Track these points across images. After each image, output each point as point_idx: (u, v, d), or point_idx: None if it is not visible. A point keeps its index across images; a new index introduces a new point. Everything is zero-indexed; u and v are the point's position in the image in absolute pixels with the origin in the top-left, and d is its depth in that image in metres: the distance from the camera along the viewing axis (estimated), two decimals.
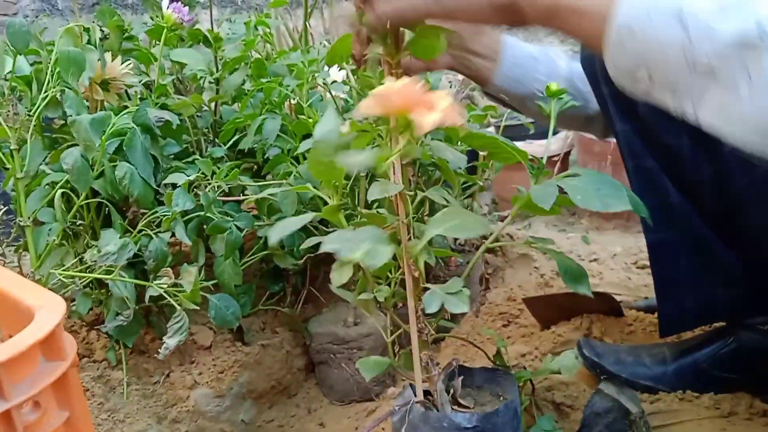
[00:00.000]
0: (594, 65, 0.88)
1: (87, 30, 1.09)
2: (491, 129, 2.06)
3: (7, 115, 0.97)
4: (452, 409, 0.77)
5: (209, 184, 0.99)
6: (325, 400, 1.23)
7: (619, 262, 1.65)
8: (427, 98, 0.59)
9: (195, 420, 1.06)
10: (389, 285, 0.81)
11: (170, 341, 0.90)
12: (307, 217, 0.72)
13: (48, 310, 0.52)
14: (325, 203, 0.73)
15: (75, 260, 1.02)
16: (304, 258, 1.19)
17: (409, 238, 0.71)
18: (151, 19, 1.36)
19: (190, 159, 1.17)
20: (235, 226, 1.04)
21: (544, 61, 0.98)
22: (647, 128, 0.86)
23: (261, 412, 1.16)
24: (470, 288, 0.71)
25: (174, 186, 0.96)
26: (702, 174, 0.85)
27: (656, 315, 1.23)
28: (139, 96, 1.29)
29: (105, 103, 1.14)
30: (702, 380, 0.98)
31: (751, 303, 0.92)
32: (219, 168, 1.05)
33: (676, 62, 0.52)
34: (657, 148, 0.87)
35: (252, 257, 1.16)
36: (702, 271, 0.88)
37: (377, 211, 1.14)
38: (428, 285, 0.70)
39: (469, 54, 0.93)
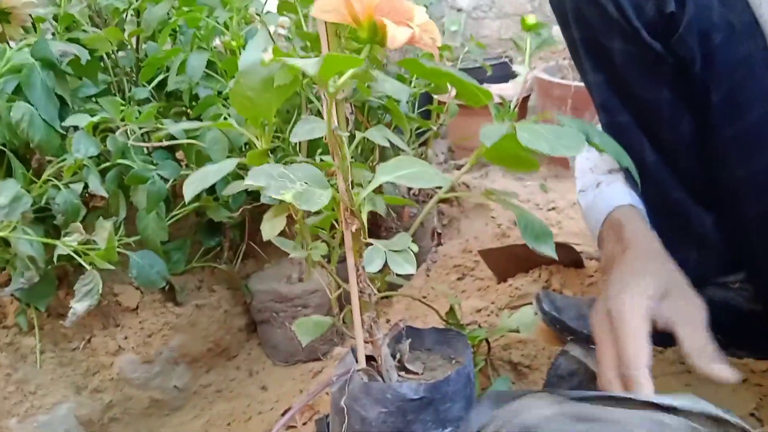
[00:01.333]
0: (564, 4, 0.77)
1: None
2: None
3: None
4: (398, 376, 0.69)
5: (120, 127, 0.87)
6: (268, 362, 1.15)
7: (579, 211, 1.59)
8: (402, 8, 0.49)
9: (120, 389, 0.96)
10: (333, 238, 0.72)
11: (78, 306, 0.79)
12: (228, 165, 0.62)
13: None
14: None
15: None
16: (241, 210, 1.08)
17: (351, 187, 0.62)
18: None
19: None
20: (159, 175, 0.93)
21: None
22: (623, 80, 0.77)
23: (197, 376, 1.07)
24: (421, 243, 0.62)
25: (75, 128, 0.84)
26: (682, 129, 0.77)
27: None
28: (51, 32, 1.15)
29: (7, 38, 1.00)
30: (666, 334, 0.93)
31: (723, 265, 0.86)
32: (138, 110, 0.92)
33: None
34: (633, 101, 0.78)
35: (182, 210, 1.05)
36: (674, 234, 0.81)
37: (321, 160, 1.05)
38: (371, 240, 0.60)
39: None
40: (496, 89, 1.99)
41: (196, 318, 1.07)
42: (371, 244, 0.60)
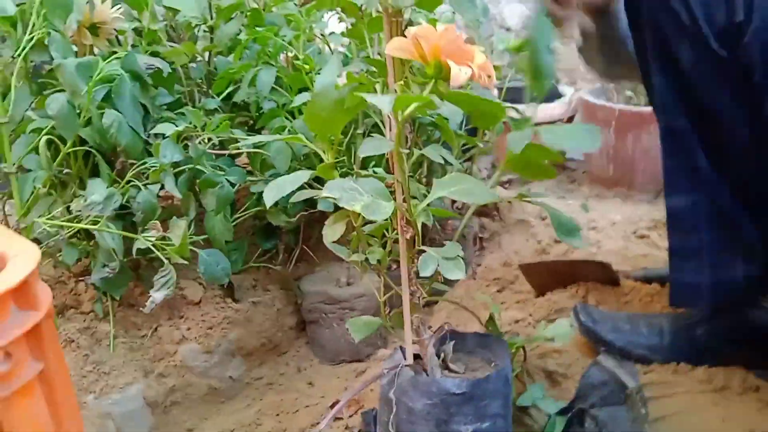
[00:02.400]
0: (640, 8, 0.83)
1: None
2: (494, 92, 2.02)
3: None
4: (442, 374, 0.75)
5: (199, 135, 0.96)
6: (314, 360, 1.22)
7: (619, 230, 1.63)
8: (465, 51, 0.56)
9: (182, 375, 1.04)
10: (384, 245, 0.79)
11: (156, 295, 0.88)
12: (303, 177, 0.69)
13: (21, 258, 0.49)
14: (321, 160, 0.71)
15: (62, 209, 0.99)
16: (298, 216, 1.16)
17: (404, 199, 0.68)
18: None
19: (182, 110, 1.13)
20: (227, 180, 1.01)
21: None
22: (686, 84, 0.81)
23: (250, 369, 1.15)
24: (464, 250, 0.69)
25: (163, 137, 0.93)
26: (739, 136, 0.81)
27: (653, 286, 1.22)
28: (130, 43, 1.25)
29: (94, 49, 1.10)
30: (697, 352, 0.96)
31: (765, 281, 0.89)
32: (211, 120, 1.01)
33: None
34: (693, 106, 0.82)
35: (244, 213, 1.14)
36: (723, 245, 0.84)
37: (373, 171, 1.12)
38: (424, 248, 0.67)
39: None
40: (541, 109, 2.04)
41: (252, 314, 1.15)
42: (424, 251, 0.67)
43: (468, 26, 0.71)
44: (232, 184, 1.04)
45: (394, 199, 0.67)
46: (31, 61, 1.01)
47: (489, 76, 0.57)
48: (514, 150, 0.64)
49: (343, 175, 1.12)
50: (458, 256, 0.67)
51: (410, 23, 1.00)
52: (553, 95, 2.02)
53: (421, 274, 0.64)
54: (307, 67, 1.01)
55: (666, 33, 0.81)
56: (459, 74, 0.54)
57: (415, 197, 0.74)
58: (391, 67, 0.66)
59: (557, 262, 1.29)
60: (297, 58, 1.08)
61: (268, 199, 0.62)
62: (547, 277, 1.27)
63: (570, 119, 2.03)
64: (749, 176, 0.82)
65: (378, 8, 0.69)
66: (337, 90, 0.65)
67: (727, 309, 0.95)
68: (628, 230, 1.62)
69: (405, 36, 0.65)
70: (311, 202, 1.12)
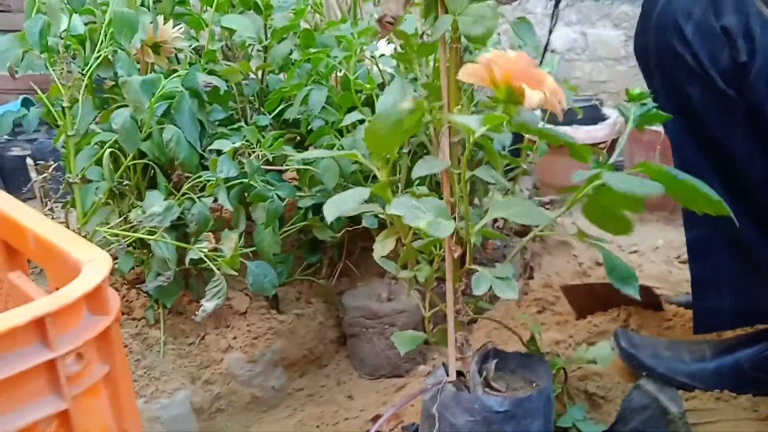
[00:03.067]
0: (647, 53, 0.86)
1: None
2: (538, 112, 2.03)
3: (61, 73, 0.99)
4: (484, 391, 0.76)
5: (254, 152, 1.00)
6: (354, 373, 1.24)
7: (661, 255, 1.61)
8: (536, 75, 0.59)
9: (227, 383, 1.08)
10: (432, 262, 0.81)
11: (208, 304, 0.91)
12: (363, 193, 0.71)
13: (95, 264, 0.52)
14: (365, 178, 0.73)
15: (120, 219, 1.04)
16: (342, 231, 1.19)
17: (461, 218, 0.70)
18: None
19: (235, 126, 1.17)
20: (277, 195, 1.05)
21: None
22: (698, 121, 0.84)
23: (292, 380, 1.17)
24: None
25: (219, 152, 0.97)
26: (754, 169, 0.83)
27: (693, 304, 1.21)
28: (188, 61, 1.30)
29: (155, 66, 1.16)
30: (741, 381, 0.96)
31: None
32: (264, 136, 1.05)
33: None
34: (707, 141, 0.85)
35: (291, 227, 1.17)
36: (743, 273, 0.86)
37: (416, 189, 1.14)
38: (474, 267, 0.69)
39: None
40: (585, 131, 2.04)
41: (295, 326, 1.18)
42: (474, 270, 0.69)
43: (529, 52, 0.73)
44: (281, 199, 1.07)
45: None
46: (96, 76, 1.06)
47: (559, 101, 0.59)
48: (574, 180, 0.65)
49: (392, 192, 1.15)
50: (510, 276, 0.68)
51: (467, 49, 1.03)
52: (597, 117, 2.02)
53: (474, 293, 0.66)
54: (368, 87, 1.05)
55: (674, 76, 0.84)
56: (532, 97, 0.56)
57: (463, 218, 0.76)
58: (445, 90, 0.69)
59: (598, 284, 1.29)
60: (348, 79, 1.12)
61: (329, 215, 0.65)
62: (588, 299, 1.27)
63: (614, 142, 2.02)
64: (765, 208, 0.84)
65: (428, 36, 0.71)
66: (400, 112, 0.68)
67: (766, 336, 0.95)
68: (671, 255, 1.60)
69: (462, 61, 0.68)
70: (355, 218, 1.15)
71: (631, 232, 0.70)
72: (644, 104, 0.88)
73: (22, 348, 0.46)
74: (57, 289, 0.60)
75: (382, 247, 0.72)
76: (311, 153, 0.75)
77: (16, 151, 1.92)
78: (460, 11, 0.61)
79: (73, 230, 1.10)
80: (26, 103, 2.15)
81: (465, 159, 0.63)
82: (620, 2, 2.30)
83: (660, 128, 1.89)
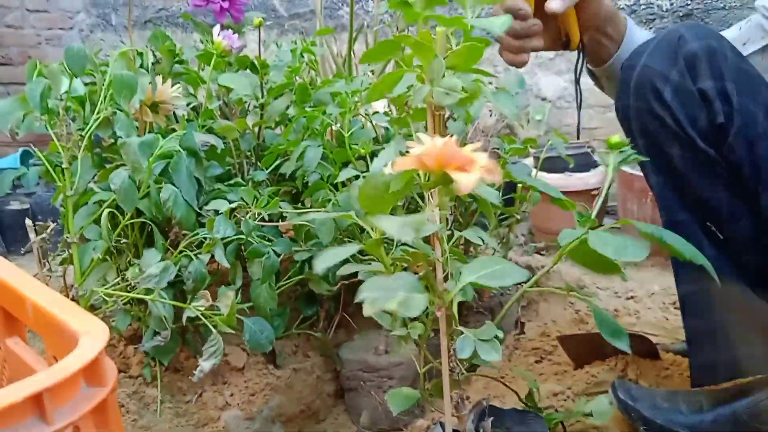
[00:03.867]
0: (628, 115, 0.89)
1: (140, 54, 1.13)
2: (530, 160, 2.05)
3: (60, 134, 1.01)
4: None
5: (250, 210, 1.01)
6: (353, 427, 1.23)
7: (657, 301, 1.62)
8: (465, 157, 0.60)
9: None
10: (426, 317, 0.81)
11: (205, 364, 0.91)
12: (351, 249, 0.72)
13: (92, 336, 0.53)
14: (362, 230, 0.74)
15: (117, 277, 1.04)
16: (339, 284, 1.19)
17: (445, 277, 0.71)
18: (201, 42, 1.40)
19: (232, 181, 1.19)
20: (273, 251, 1.06)
21: None
22: (683, 181, 0.86)
23: None
24: (503, 329, 0.71)
25: (216, 212, 0.98)
26: (741, 226, 0.85)
27: (689, 358, 1.21)
28: (186, 118, 1.33)
29: (154, 125, 1.18)
30: (739, 431, 0.96)
31: None
32: (260, 193, 1.06)
33: None
34: (692, 200, 0.87)
35: (288, 281, 1.18)
36: (737, 327, 0.87)
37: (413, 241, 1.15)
38: (461, 328, 0.70)
39: (601, 35, 0.97)
40: (578, 178, 2.06)
41: (293, 381, 1.17)
42: (462, 332, 0.70)
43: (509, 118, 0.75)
44: (278, 254, 1.08)
45: (435, 278, 0.71)
46: (94, 135, 1.08)
47: (495, 175, 0.61)
48: (561, 242, 0.67)
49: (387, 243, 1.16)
50: (495, 337, 0.69)
51: (451, 117, 1.05)
52: (589, 164, 2.05)
53: (459, 357, 0.66)
54: (363, 150, 1.07)
55: (656, 137, 0.86)
56: (463, 182, 0.57)
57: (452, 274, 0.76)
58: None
59: (595, 334, 1.29)
60: (343, 136, 1.14)
61: (318, 268, 0.66)
62: (586, 349, 1.27)
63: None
64: (757, 261, 0.85)
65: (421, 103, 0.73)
66: (391, 175, 0.69)
67: (764, 385, 0.95)
68: (667, 301, 1.61)
69: (446, 127, 0.70)
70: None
71: (619, 272, 0.72)
72: (623, 152, 0.91)
73: (19, 423, 0.46)
74: (55, 357, 0.61)
75: (371, 306, 0.73)
76: (308, 215, 0.76)
77: (14, 206, 1.93)
78: (436, 83, 0.64)
79: (71, 286, 1.11)
80: (25, 157, 2.18)
81: (443, 223, 0.64)
82: None
83: None
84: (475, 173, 0.58)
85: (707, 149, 0.82)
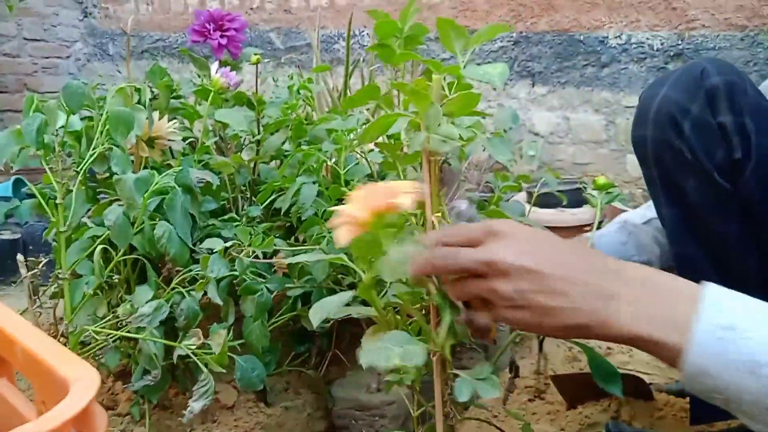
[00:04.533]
0: (645, 146, 0.89)
1: (138, 90, 1.14)
2: (523, 195, 2.06)
3: (56, 170, 1.01)
4: None
5: (244, 249, 1.01)
6: None
7: None
8: (389, 191, 0.62)
9: None
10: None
11: (195, 405, 0.90)
12: (346, 297, 0.72)
13: (83, 383, 0.52)
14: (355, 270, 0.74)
15: (107, 313, 1.03)
16: (331, 321, 1.19)
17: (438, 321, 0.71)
18: (198, 76, 1.41)
19: (226, 217, 1.19)
20: (267, 288, 1.05)
21: (632, 241, 1.00)
22: (694, 214, 0.86)
23: None
24: (498, 372, 0.70)
25: (210, 251, 0.98)
26: (749, 263, 0.84)
27: (687, 400, 1.20)
28: (181, 152, 1.33)
29: (149, 159, 1.18)
30: None
31: None
32: (254, 229, 1.06)
33: (751, 402, 0.52)
34: (703, 234, 0.86)
35: (280, 317, 1.17)
36: None
37: (407, 279, 1.15)
38: (457, 371, 0.69)
39: None
40: (570, 214, 2.07)
41: (284, 420, 1.16)
42: (458, 375, 0.69)
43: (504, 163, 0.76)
44: (271, 291, 1.07)
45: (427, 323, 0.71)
46: (90, 171, 1.08)
47: (415, 190, 0.63)
48: None
49: (378, 282, 1.16)
50: (490, 376, 0.68)
51: (445, 161, 1.06)
52: (581, 200, 2.06)
53: (458, 400, 0.66)
54: (343, 189, 1.07)
55: (671, 169, 0.86)
56: (404, 204, 0.61)
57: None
58: (428, 198, 0.71)
59: (589, 374, 1.28)
60: (338, 172, 1.14)
61: (315, 320, 0.65)
62: (579, 389, 1.26)
63: (599, 225, 2.05)
64: (763, 300, 0.85)
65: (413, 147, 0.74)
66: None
67: None
68: None
69: (442, 171, 0.71)
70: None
71: None
72: (609, 192, 0.92)
73: None
74: (44, 402, 0.60)
75: (366, 355, 0.72)
76: (299, 257, 0.76)
77: (6, 235, 1.92)
78: (432, 130, 0.64)
79: (60, 320, 1.10)
80: (17, 186, 2.17)
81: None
82: (600, 89, 2.39)
83: None
84: (402, 202, 0.60)
85: (723, 183, 0.82)
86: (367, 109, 1.54)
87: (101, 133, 1.04)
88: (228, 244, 0.98)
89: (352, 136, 1.17)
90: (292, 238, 1.27)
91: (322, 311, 0.68)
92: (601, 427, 1.13)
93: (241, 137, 1.36)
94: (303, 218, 1.19)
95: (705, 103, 0.82)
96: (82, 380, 0.53)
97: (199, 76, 1.41)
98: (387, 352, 0.60)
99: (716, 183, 0.83)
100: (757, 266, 0.84)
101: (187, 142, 1.26)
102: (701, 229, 0.87)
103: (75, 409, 0.49)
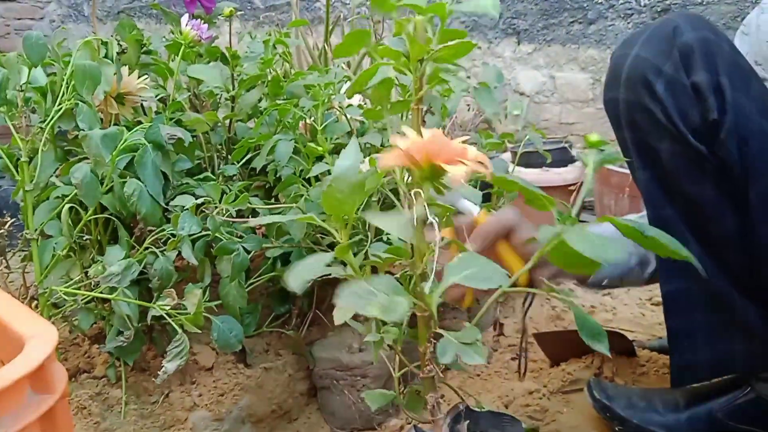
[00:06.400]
0: (617, 108, 0.86)
1: (105, 43, 1.09)
2: (508, 155, 2.04)
3: (20, 127, 0.97)
4: None
5: (217, 206, 0.98)
6: (325, 427, 1.20)
7: (634, 297, 1.61)
8: (454, 149, 0.58)
9: None
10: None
11: (169, 365, 0.88)
12: (324, 259, 0.70)
13: (39, 340, 0.50)
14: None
15: (80, 275, 1.00)
16: (311, 281, 1.16)
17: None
18: (172, 33, 1.36)
19: (201, 176, 1.16)
20: (243, 247, 1.03)
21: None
22: (669, 176, 0.84)
23: None
24: (481, 330, 0.68)
25: (182, 208, 0.95)
26: (725, 224, 0.83)
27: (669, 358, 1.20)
28: (154, 110, 1.29)
29: (120, 117, 1.14)
30: (715, 430, 0.95)
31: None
32: (230, 188, 1.03)
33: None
34: (678, 196, 0.84)
35: (259, 278, 1.14)
36: (719, 326, 0.85)
37: (388, 238, 1.13)
38: (441, 331, 0.67)
39: None
40: (555, 173, 2.05)
41: (264, 380, 1.14)
42: (441, 335, 0.67)
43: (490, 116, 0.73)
44: (248, 251, 1.05)
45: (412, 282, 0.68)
46: (58, 127, 1.04)
47: (486, 167, 0.59)
48: (541, 241, 0.64)
49: (357, 243, 1.14)
50: (477, 341, 0.66)
51: (429, 112, 1.03)
52: (567, 159, 2.04)
53: (441, 361, 0.64)
54: (320, 149, 1.04)
55: (645, 131, 0.84)
56: (455, 173, 0.55)
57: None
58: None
59: (572, 331, 1.28)
60: (316, 129, 1.11)
61: (293, 285, 0.63)
62: (562, 346, 1.26)
63: (582, 183, 2.04)
64: (740, 260, 0.84)
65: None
66: (359, 175, 0.67)
67: (739, 384, 0.94)
68: (643, 297, 1.60)
69: (425, 123, 0.67)
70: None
71: (598, 268, 0.70)
72: (602, 150, 0.89)
73: None
74: (1, 362, 0.57)
75: (343, 313, 0.70)
76: (273, 218, 0.73)
77: None
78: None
79: (31, 285, 1.07)
80: None
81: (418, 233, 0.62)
82: (587, 47, 2.35)
83: (628, 171, 1.91)
84: (466, 165, 0.56)
85: (697, 145, 0.79)
86: (347, 64, 1.50)
87: (67, 88, 1.00)
88: (200, 200, 0.95)
89: (330, 91, 1.13)
90: (272, 198, 1.25)
91: (301, 275, 0.66)
92: (584, 384, 1.12)
93: (216, 94, 1.31)
94: (281, 177, 1.16)
95: (678, 62, 0.79)
96: (39, 337, 0.50)
97: (173, 33, 1.35)
98: (369, 299, 0.58)
99: (690, 145, 0.80)
100: (734, 225, 0.83)
101: (158, 98, 1.22)
102: (676, 191, 0.85)
103: (29, 367, 0.47)
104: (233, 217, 0.99)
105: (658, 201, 0.87)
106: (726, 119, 0.78)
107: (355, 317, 0.77)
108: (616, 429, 0.98)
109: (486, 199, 1.55)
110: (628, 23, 2.24)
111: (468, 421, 0.76)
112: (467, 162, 0.56)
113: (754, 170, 0.79)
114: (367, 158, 0.68)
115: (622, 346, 1.22)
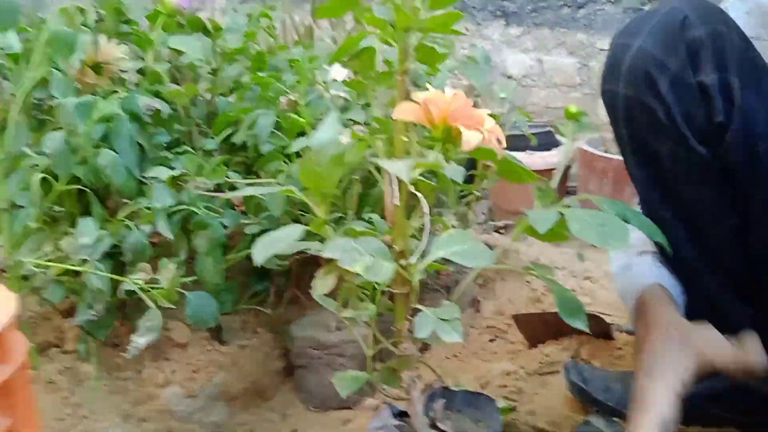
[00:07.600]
0: (615, 103, 0.81)
1: (82, 11, 1.06)
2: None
3: None
4: None
5: (194, 180, 0.96)
6: (300, 406, 1.20)
7: (613, 283, 1.61)
8: (475, 116, 0.57)
9: (164, 420, 1.02)
10: (374, 299, 0.78)
11: (140, 340, 0.86)
12: (294, 232, 0.69)
13: None
14: None
15: (54, 249, 0.98)
16: (291, 258, 1.15)
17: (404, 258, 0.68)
18: (154, 3, 1.33)
19: (180, 150, 1.13)
20: (221, 223, 1.01)
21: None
22: (668, 179, 0.81)
23: (233, 414, 1.12)
24: (460, 308, 0.68)
25: (157, 180, 0.93)
26: (725, 227, 0.80)
27: None
28: (134, 82, 1.26)
29: (97, 88, 1.11)
30: (691, 414, 0.95)
31: None
32: (209, 162, 1.01)
33: None
34: (676, 199, 0.82)
35: (236, 255, 1.13)
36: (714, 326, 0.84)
37: (369, 217, 1.11)
38: (420, 306, 0.66)
39: None
40: (539, 156, 2.05)
41: (239, 358, 1.13)
42: (419, 310, 0.66)
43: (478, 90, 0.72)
44: (225, 227, 1.03)
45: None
46: (34, 98, 1.01)
47: (498, 140, 0.58)
48: (539, 230, 0.63)
49: (338, 220, 1.12)
50: (456, 318, 0.65)
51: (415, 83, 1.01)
52: (552, 143, 2.04)
53: (418, 336, 0.63)
54: (302, 121, 1.02)
55: (644, 130, 0.79)
56: (470, 138, 0.54)
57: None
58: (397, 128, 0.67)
59: (550, 313, 1.28)
60: (298, 104, 1.09)
61: (258, 257, 0.62)
62: (540, 328, 1.26)
63: (568, 168, 2.04)
64: (739, 264, 0.82)
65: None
66: (339, 147, 0.65)
67: (719, 373, 0.94)
68: None
69: (409, 94, 0.66)
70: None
71: (567, 240, 0.69)
72: (580, 121, 0.88)
73: None
74: None
75: (322, 285, 0.69)
76: (252, 190, 0.72)
77: None
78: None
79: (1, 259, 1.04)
80: None
81: (403, 202, 0.61)
82: (575, 31, 2.34)
83: (613, 156, 1.91)
84: (479, 132, 0.55)
85: (700, 149, 0.76)
86: (334, 40, 1.47)
87: (41, 55, 0.97)
88: (175, 172, 0.93)
89: (314, 66, 1.11)
90: (253, 175, 1.22)
91: (268, 247, 0.64)
92: (560, 366, 1.13)
93: (198, 67, 1.28)
94: (262, 153, 1.14)
95: (685, 59, 0.74)
96: None
97: (154, 4, 1.32)
98: (356, 254, 0.57)
99: (692, 149, 0.76)
100: (733, 228, 0.81)
101: (138, 70, 1.19)
102: (672, 193, 0.82)
103: None
104: (210, 191, 0.97)
105: (653, 201, 0.84)
106: (733, 124, 0.74)
107: (332, 294, 0.76)
108: (593, 411, 0.99)
109: (469, 179, 1.54)
110: (618, 7, 2.23)
111: (444, 400, 0.76)
112: (483, 131, 0.55)
113: (761, 173, 0.76)
114: (348, 130, 0.66)
115: (599, 328, 1.23)
